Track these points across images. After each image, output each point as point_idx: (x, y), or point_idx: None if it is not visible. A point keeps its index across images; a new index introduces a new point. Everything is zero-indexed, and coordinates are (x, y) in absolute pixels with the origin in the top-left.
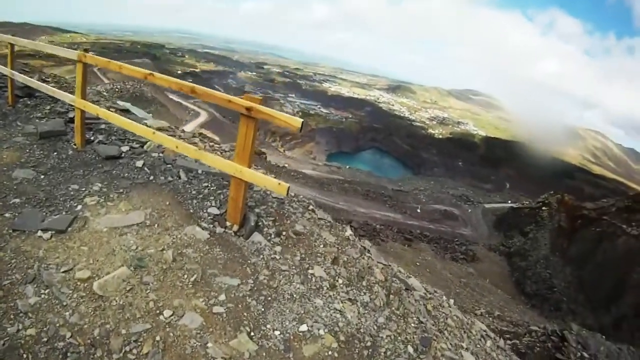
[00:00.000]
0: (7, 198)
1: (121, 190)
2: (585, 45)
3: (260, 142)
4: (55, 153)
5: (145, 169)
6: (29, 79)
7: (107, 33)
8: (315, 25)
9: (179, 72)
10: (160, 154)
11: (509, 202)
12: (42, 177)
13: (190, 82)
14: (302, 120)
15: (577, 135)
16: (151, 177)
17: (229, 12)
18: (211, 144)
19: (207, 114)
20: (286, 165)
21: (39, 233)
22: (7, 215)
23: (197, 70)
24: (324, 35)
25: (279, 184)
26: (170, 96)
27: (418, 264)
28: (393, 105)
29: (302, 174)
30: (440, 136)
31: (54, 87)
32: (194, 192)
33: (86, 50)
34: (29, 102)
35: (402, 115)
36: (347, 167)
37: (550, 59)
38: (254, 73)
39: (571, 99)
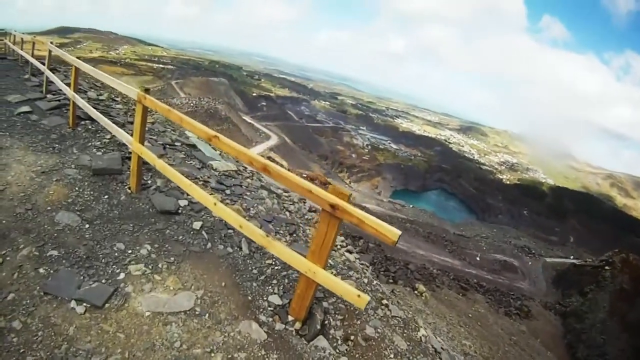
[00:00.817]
0: (45, 247)
1: (172, 259)
2: None
3: (326, 171)
4: (106, 196)
5: (204, 233)
6: (89, 106)
7: (188, 50)
8: (391, 58)
9: (254, 94)
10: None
11: (571, 257)
12: (87, 226)
13: (264, 105)
14: (399, 232)
15: None
16: (209, 245)
17: (307, 40)
18: (280, 191)
19: (278, 137)
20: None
21: (73, 304)
22: (41, 270)
23: (272, 94)
24: (398, 67)
25: (359, 295)
26: (243, 117)
27: (470, 315)
28: (463, 146)
29: (366, 209)
30: (508, 182)
31: (120, 109)
32: (255, 270)
33: (147, 91)
34: (90, 127)
35: (471, 157)
36: (411, 206)
37: (624, 105)
38: (328, 102)
39: None
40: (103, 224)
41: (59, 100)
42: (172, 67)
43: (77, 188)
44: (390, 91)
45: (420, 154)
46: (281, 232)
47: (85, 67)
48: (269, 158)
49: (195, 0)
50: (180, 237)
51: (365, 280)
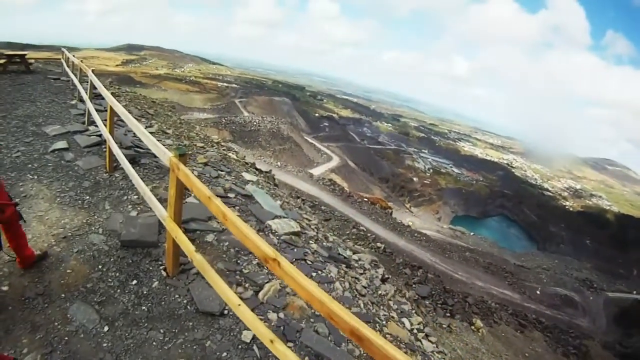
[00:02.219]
0: (52, 356)
1: None
2: None
3: (387, 195)
4: (134, 282)
5: (255, 348)
6: (122, 156)
7: (252, 69)
8: (454, 80)
9: (317, 114)
10: (282, 313)
11: (634, 292)
12: (107, 329)
13: (326, 125)
14: None
15: None
16: None
17: (370, 61)
18: (348, 253)
19: (339, 159)
20: (410, 224)
21: None
22: None
23: (335, 115)
24: (461, 89)
25: None
26: (305, 137)
27: (527, 355)
28: (526, 171)
29: (426, 236)
30: (571, 209)
31: (171, 145)
32: None
33: (182, 157)
34: None
35: (534, 182)
36: (472, 233)
37: None
38: (390, 124)
39: None
40: (126, 326)
41: (99, 136)
42: (235, 85)
43: (100, 266)
44: (453, 113)
45: (482, 179)
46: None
47: (119, 110)
48: (330, 180)
49: (260, 20)
50: (225, 353)
51: None
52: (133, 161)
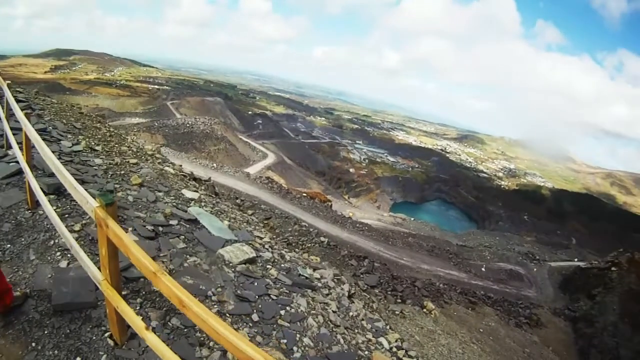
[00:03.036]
0: None
1: None
2: None
3: (325, 188)
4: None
5: None
6: (40, 192)
7: (183, 70)
8: (386, 72)
9: (250, 112)
10: None
11: (576, 260)
12: None
13: (260, 123)
14: None
15: None
16: None
17: (302, 57)
18: (314, 279)
19: (275, 155)
20: (351, 215)
21: None
22: None
23: (268, 112)
24: (393, 81)
25: None
26: (240, 136)
27: (481, 330)
28: (460, 155)
29: (367, 225)
30: (507, 188)
31: (100, 165)
32: None
33: (110, 205)
34: (57, 207)
35: (469, 165)
36: (412, 219)
37: (619, 104)
38: (323, 118)
39: (639, 144)
40: None
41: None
42: (167, 87)
43: (34, 343)
44: (386, 104)
45: (418, 165)
46: None
47: (33, 136)
48: (267, 177)
49: (191, 20)
50: None
51: None
52: (59, 192)
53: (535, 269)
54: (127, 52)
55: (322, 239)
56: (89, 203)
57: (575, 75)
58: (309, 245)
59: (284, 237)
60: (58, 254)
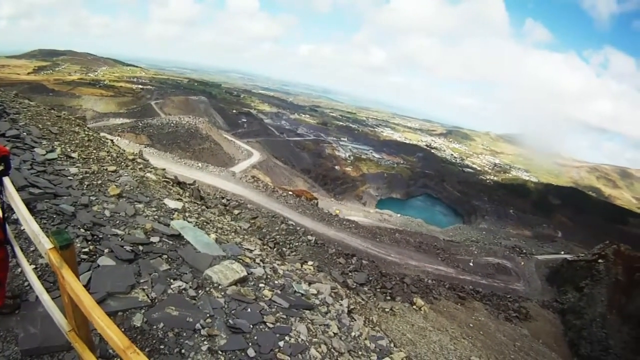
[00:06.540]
0: None
1: None
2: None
3: (311, 185)
4: None
5: None
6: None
7: (167, 69)
8: (372, 69)
9: (234, 111)
10: None
11: (562, 252)
12: None
13: (244, 121)
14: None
15: (629, 176)
16: None
17: (288, 55)
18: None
19: (260, 154)
20: (337, 212)
21: None
22: None
23: (252, 110)
24: (379, 78)
25: None
26: (224, 134)
27: (472, 325)
28: (445, 150)
29: (354, 222)
30: (492, 182)
31: (76, 175)
32: None
33: (65, 249)
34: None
35: (454, 161)
36: (399, 215)
37: (604, 100)
38: (308, 115)
39: (623, 139)
40: None
41: None
42: (151, 87)
43: None
44: (372, 101)
45: (403, 161)
46: None
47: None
48: (253, 176)
49: (178, 19)
50: None
51: None
52: (28, 207)
53: (522, 263)
54: (111, 51)
55: (309, 237)
56: (42, 243)
57: (561, 72)
58: (297, 244)
59: (272, 236)
60: (26, 284)
